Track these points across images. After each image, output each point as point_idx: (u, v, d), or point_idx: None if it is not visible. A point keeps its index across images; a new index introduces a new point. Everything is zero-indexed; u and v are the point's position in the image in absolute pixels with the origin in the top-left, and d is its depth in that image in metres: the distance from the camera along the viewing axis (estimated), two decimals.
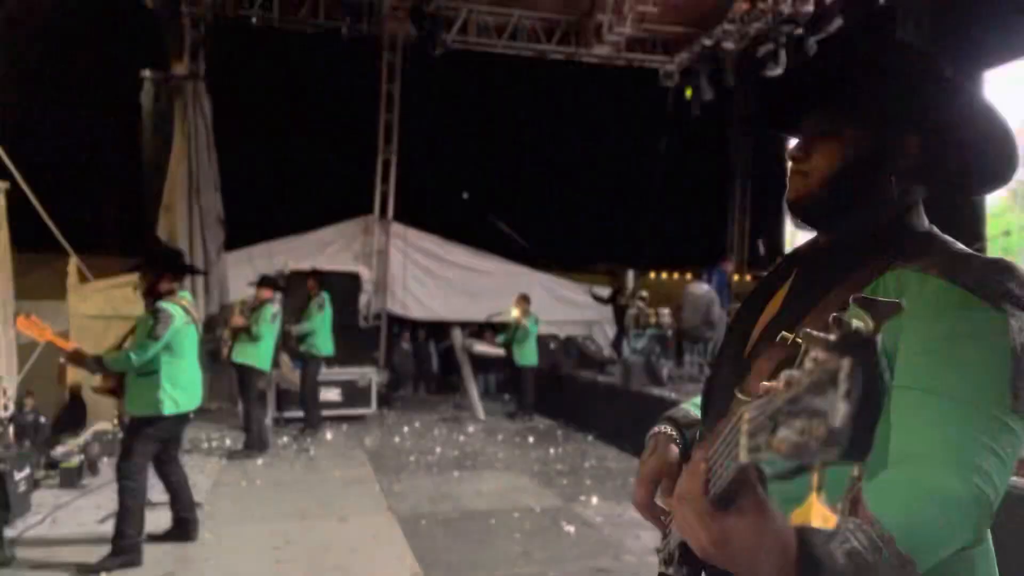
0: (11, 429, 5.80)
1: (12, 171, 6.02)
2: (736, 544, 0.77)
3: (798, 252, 1.28)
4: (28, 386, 8.45)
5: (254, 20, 10.89)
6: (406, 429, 9.26)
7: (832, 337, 0.61)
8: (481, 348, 10.99)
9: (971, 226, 7.02)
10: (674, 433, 1.32)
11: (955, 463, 0.89)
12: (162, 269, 4.37)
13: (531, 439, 8.63)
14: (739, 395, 1.11)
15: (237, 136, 11.88)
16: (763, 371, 1.07)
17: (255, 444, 7.27)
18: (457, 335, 10.65)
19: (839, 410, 0.57)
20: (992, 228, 6.50)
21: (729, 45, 10.57)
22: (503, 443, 8.35)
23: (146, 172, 9.89)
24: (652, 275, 15.51)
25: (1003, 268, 0.98)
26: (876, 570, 0.79)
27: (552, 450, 7.98)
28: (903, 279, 1.03)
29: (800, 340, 0.70)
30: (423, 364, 13.17)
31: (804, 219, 1.19)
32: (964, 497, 0.87)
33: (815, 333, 0.64)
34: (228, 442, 7.95)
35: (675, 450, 1.29)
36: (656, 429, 1.34)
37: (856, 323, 0.62)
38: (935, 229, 1.16)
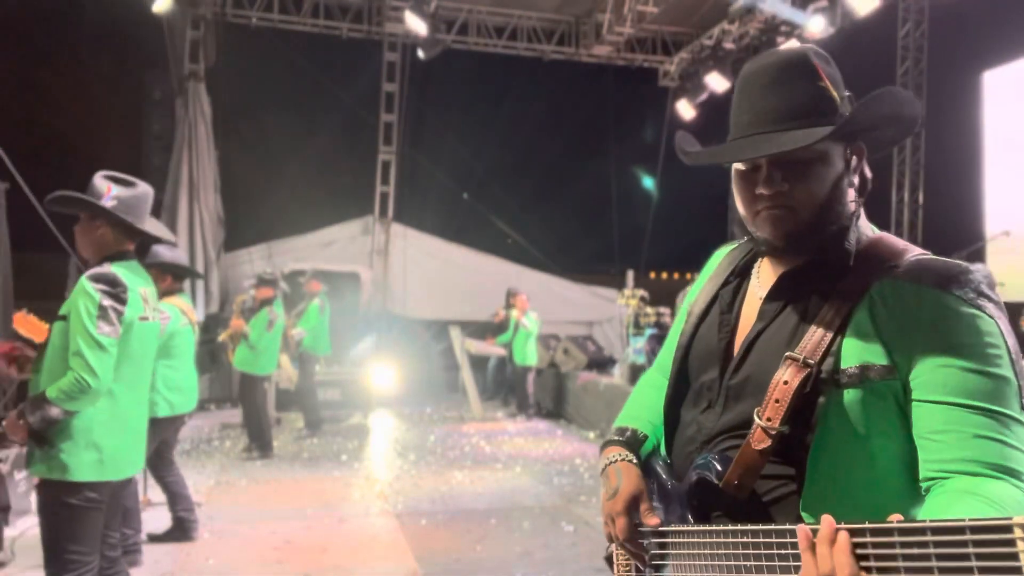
0: None
1: (12, 171, 6.02)
2: None
3: (744, 267, 1.30)
4: (28, 386, 8.45)
5: (254, 20, 10.89)
6: (406, 429, 9.26)
7: None
8: (481, 348, 10.99)
9: (972, 226, 7.02)
10: (632, 458, 1.32)
11: (1001, 470, 0.98)
12: (163, 271, 4.35)
13: (531, 439, 8.63)
14: (759, 420, 1.09)
15: (237, 136, 11.88)
16: (782, 393, 1.08)
17: (259, 446, 7.25)
18: (457, 335, 10.65)
19: None
20: (991, 228, 6.51)
21: (729, 45, 10.58)
22: (503, 443, 8.35)
23: (146, 172, 9.89)
24: (652, 275, 15.51)
25: (977, 272, 1.06)
26: None
27: (552, 450, 7.98)
28: (897, 291, 1.07)
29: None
30: (423, 364, 13.17)
31: (795, 251, 1.17)
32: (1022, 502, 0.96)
33: None
34: (228, 442, 7.95)
35: (638, 473, 1.29)
36: (612, 457, 1.32)
37: None
38: (879, 231, 1.21)
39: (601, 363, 10.40)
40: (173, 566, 4.27)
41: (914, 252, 1.13)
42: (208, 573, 4.21)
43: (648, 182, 14.46)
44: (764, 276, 1.24)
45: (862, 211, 1.20)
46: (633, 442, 1.35)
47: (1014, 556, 0.71)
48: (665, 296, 10.77)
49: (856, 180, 1.18)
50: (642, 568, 1.28)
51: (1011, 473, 0.97)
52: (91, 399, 2.48)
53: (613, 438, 1.37)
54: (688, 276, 9.63)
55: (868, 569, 0.83)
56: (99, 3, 11.21)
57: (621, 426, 1.40)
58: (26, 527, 4.80)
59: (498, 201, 14.12)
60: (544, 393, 10.81)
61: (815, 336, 1.09)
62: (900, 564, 0.80)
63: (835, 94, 1.15)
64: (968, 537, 0.74)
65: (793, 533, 0.93)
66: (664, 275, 19.40)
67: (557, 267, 13.83)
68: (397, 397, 10.85)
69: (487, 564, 4.45)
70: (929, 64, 11.48)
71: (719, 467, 1.13)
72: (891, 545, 0.81)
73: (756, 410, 1.10)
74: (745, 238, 1.34)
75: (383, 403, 10.51)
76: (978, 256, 6.38)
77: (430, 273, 12.38)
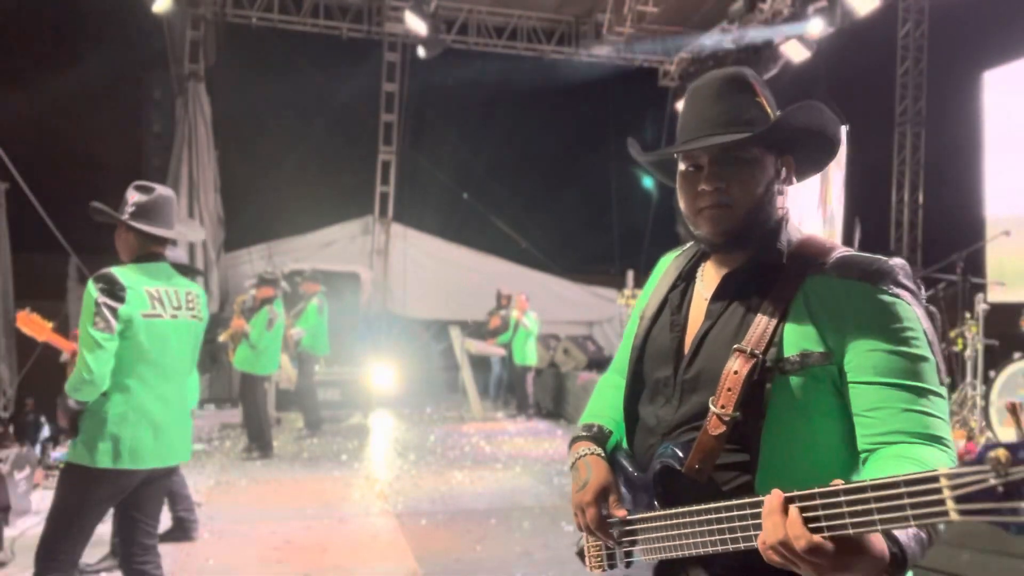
0: (11, 429, 5.80)
1: (12, 171, 6.02)
2: (846, 560, 0.94)
3: (689, 270, 1.42)
4: (28, 386, 8.46)
5: (254, 20, 10.89)
6: (406, 429, 9.26)
7: None
8: (481, 348, 10.99)
9: (972, 226, 7.02)
10: (600, 451, 1.42)
11: (928, 437, 1.12)
12: None
13: (531, 439, 8.63)
14: (713, 408, 1.20)
15: (237, 136, 11.88)
16: (734, 382, 1.19)
17: (259, 446, 7.25)
18: (457, 335, 10.65)
19: None
20: (991, 229, 6.50)
21: (729, 45, 10.58)
22: (503, 443, 8.35)
23: (146, 172, 9.89)
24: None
25: (902, 266, 1.21)
26: (926, 548, 1.01)
27: (552, 450, 7.98)
28: (827, 285, 1.20)
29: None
30: (423, 364, 13.17)
31: (733, 248, 1.30)
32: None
33: (1019, 406, 0.81)
34: (228, 442, 7.95)
35: (606, 467, 1.39)
36: (581, 451, 1.43)
37: None
38: (807, 233, 1.33)
39: (601, 363, 10.39)
40: (173, 566, 4.27)
41: (839, 250, 1.25)
42: (208, 573, 4.21)
43: (648, 182, 14.45)
44: (708, 278, 1.36)
45: (791, 215, 1.33)
46: (600, 437, 1.46)
47: (941, 503, 0.83)
48: None
49: (785, 188, 1.32)
50: (613, 555, 1.37)
51: (935, 440, 1.12)
52: (92, 391, 2.62)
53: (581, 434, 1.47)
54: None
55: (819, 530, 0.94)
56: (99, 3, 11.20)
57: (587, 423, 1.50)
58: (26, 527, 4.81)
59: (498, 201, 14.11)
60: (544, 393, 10.81)
61: (759, 329, 1.21)
62: (847, 521, 0.92)
63: (769, 111, 1.30)
64: (903, 490, 0.86)
65: (751, 505, 1.07)
66: None
67: (557, 267, 13.83)
68: (397, 397, 10.85)
69: (487, 564, 4.45)
70: (929, 64, 11.48)
71: (680, 454, 1.23)
72: (838, 505, 0.93)
73: (711, 399, 1.21)
74: (689, 243, 1.47)
75: (383, 403, 10.51)
76: (978, 256, 6.38)
77: (430, 273, 12.39)
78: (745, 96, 1.29)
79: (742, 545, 1.09)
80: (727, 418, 1.18)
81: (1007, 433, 4.20)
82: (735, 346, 1.22)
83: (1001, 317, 5.75)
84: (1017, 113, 6.64)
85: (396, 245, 12.28)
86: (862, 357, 1.16)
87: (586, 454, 1.41)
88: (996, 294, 6.11)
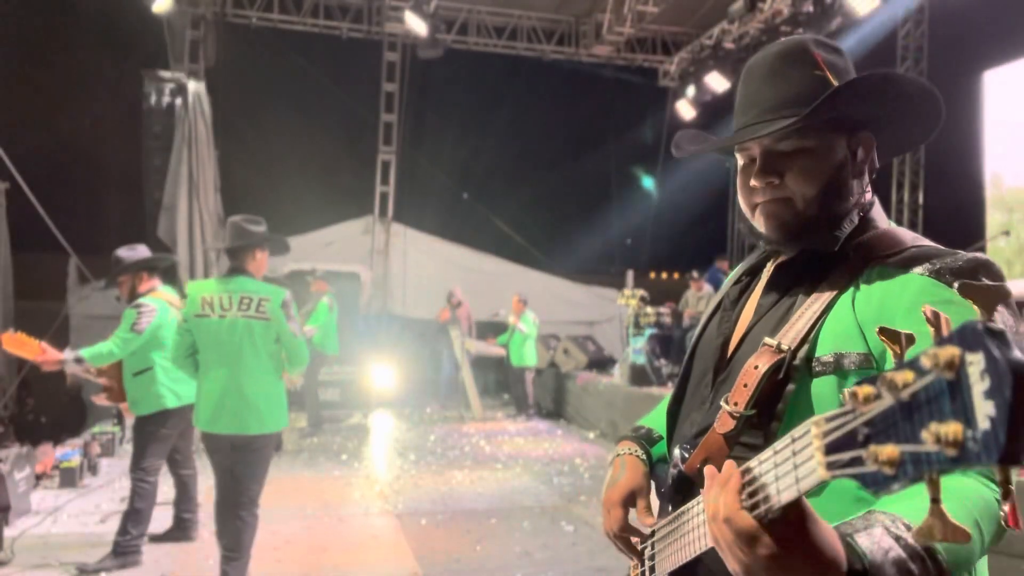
0: (11, 429, 5.80)
1: (12, 171, 6.02)
2: (787, 561, 0.75)
3: (756, 266, 1.27)
4: (28, 386, 8.46)
5: (254, 20, 10.89)
6: (406, 429, 9.26)
7: (944, 332, 0.57)
8: (480, 348, 10.99)
9: (972, 226, 7.02)
10: (641, 454, 1.31)
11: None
12: (135, 270, 4.34)
13: (531, 439, 8.63)
14: (725, 405, 1.07)
15: (237, 136, 11.88)
16: (750, 377, 1.05)
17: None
18: (457, 335, 10.65)
19: (982, 409, 0.51)
20: (992, 228, 6.51)
21: (729, 45, 10.57)
22: (503, 443, 8.35)
23: (146, 172, 9.89)
24: (652, 275, 15.51)
25: (984, 264, 0.99)
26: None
27: (552, 450, 7.98)
28: (885, 274, 1.03)
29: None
30: (423, 364, 13.16)
31: (793, 243, 1.14)
32: (991, 503, 0.88)
33: (898, 329, 0.64)
34: None
35: (643, 470, 1.28)
36: (620, 451, 1.32)
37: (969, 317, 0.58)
38: (895, 225, 1.16)
39: (601, 363, 10.40)
40: (173, 566, 4.27)
41: (920, 242, 1.08)
42: (208, 573, 4.21)
43: (648, 182, 14.46)
44: (768, 272, 1.23)
45: (876, 203, 1.17)
46: (647, 439, 1.35)
47: (812, 456, 0.66)
48: (665, 296, 10.77)
49: (865, 169, 1.15)
50: (639, 566, 1.25)
51: (986, 473, 0.91)
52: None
53: (629, 434, 1.37)
54: (695, 274, 9.60)
55: (756, 505, 0.76)
56: (99, 3, 11.20)
57: (638, 424, 1.40)
58: (26, 527, 4.80)
59: (498, 201, 14.13)
60: (544, 393, 10.81)
61: (797, 324, 1.06)
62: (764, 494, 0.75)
63: (836, 82, 1.11)
64: (788, 443, 0.71)
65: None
66: (664, 275, 19.38)
67: (557, 267, 13.83)
68: (397, 397, 10.85)
69: (487, 564, 4.45)
70: (929, 64, 11.48)
71: (687, 455, 1.12)
72: (768, 467, 0.76)
73: (725, 396, 1.08)
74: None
75: (383, 403, 10.51)
76: None
77: (430, 273, 12.38)
78: (802, 71, 1.12)
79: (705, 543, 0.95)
80: (737, 415, 1.05)
81: None
82: (764, 339, 1.07)
83: None
84: (1017, 113, 6.65)
85: (396, 245, 12.28)
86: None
87: (624, 453, 1.31)
88: None
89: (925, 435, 0.54)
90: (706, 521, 0.83)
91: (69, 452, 6.24)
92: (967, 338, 0.53)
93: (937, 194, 11.47)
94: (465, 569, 4.37)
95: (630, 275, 11.53)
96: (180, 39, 10.36)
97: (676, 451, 1.14)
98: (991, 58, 7.10)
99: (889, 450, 0.57)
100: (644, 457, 1.31)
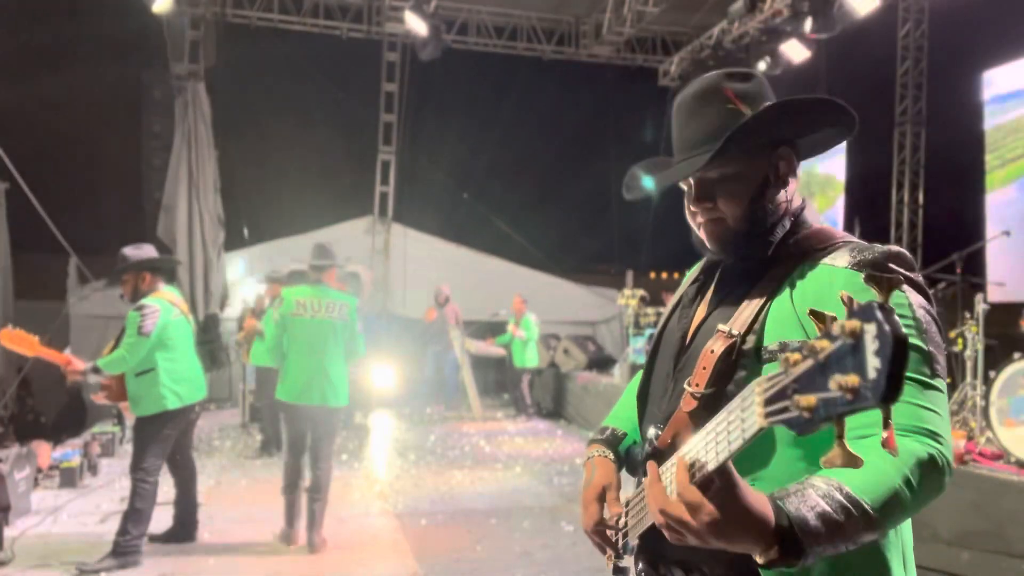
0: (11, 429, 5.80)
1: (12, 171, 6.03)
2: (724, 525, 0.90)
3: (711, 266, 1.41)
4: (28, 386, 8.46)
5: (254, 20, 10.89)
6: (406, 429, 9.26)
7: (854, 307, 0.72)
8: (481, 348, 10.98)
9: (972, 226, 7.02)
10: (609, 453, 1.45)
11: (912, 429, 1.05)
12: (139, 270, 4.33)
13: (531, 439, 8.63)
14: (687, 387, 1.20)
15: (237, 136, 11.89)
16: (708, 360, 1.18)
17: (274, 443, 7.22)
18: (457, 335, 10.65)
19: (872, 364, 0.68)
20: (991, 229, 6.51)
21: (729, 45, 10.57)
22: (503, 443, 8.35)
23: (146, 172, 9.89)
24: (652, 275, 15.51)
25: (895, 255, 1.15)
26: (844, 530, 0.93)
27: (552, 450, 7.98)
28: (814, 271, 1.18)
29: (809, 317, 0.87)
30: (423, 364, 13.15)
31: (731, 255, 1.30)
32: (924, 458, 1.02)
33: (824, 311, 0.78)
34: (228, 442, 7.95)
35: (612, 467, 1.42)
36: (590, 454, 1.46)
37: (871, 297, 0.74)
38: (826, 224, 1.30)
39: (601, 363, 10.39)
40: (173, 566, 4.27)
41: (843, 239, 1.23)
42: (208, 573, 4.22)
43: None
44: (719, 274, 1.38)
45: (808, 205, 1.31)
46: (612, 440, 1.48)
47: (755, 410, 0.82)
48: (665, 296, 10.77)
49: (789, 180, 1.29)
50: (616, 555, 1.36)
51: (927, 433, 1.05)
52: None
53: (596, 436, 1.51)
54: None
55: (694, 474, 0.93)
56: (99, 3, 11.21)
57: (603, 426, 1.53)
58: (26, 527, 4.81)
59: (498, 201, 14.15)
60: (544, 393, 10.81)
61: (743, 315, 1.20)
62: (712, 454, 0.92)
63: (749, 111, 1.25)
64: (736, 403, 0.88)
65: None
66: (664, 275, 19.39)
67: (558, 267, 13.83)
68: (397, 397, 10.84)
69: (487, 564, 4.45)
70: (929, 64, 11.48)
71: (660, 431, 1.22)
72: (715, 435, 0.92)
73: (687, 379, 1.21)
74: None
75: (383, 403, 10.50)
76: (978, 256, 6.38)
77: (430, 273, 12.37)
78: (716, 107, 1.27)
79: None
80: (698, 395, 1.17)
81: (1007, 433, 4.20)
82: (718, 326, 1.22)
83: (1001, 317, 5.76)
84: (1017, 113, 6.65)
85: (396, 245, 12.27)
86: None
87: (594, 455, 1.44)
88: (996, 294, 6.11)
89: (832, 384, 0.71)
90: (649, 509, 0.99)
91: (69, 452, 6.24)
92: (866, 313, 0.71)
93: (937, 194, 11.48)
94: (465, 569, 4.37)
95: (630, 275, 11.53)
96: (180, 39, 10.35)
97: (651, 430, 1.24)
98: (991, 58, 7.10)
99: (808, 398, 0.74)
100: (612, 456, 1.44)
